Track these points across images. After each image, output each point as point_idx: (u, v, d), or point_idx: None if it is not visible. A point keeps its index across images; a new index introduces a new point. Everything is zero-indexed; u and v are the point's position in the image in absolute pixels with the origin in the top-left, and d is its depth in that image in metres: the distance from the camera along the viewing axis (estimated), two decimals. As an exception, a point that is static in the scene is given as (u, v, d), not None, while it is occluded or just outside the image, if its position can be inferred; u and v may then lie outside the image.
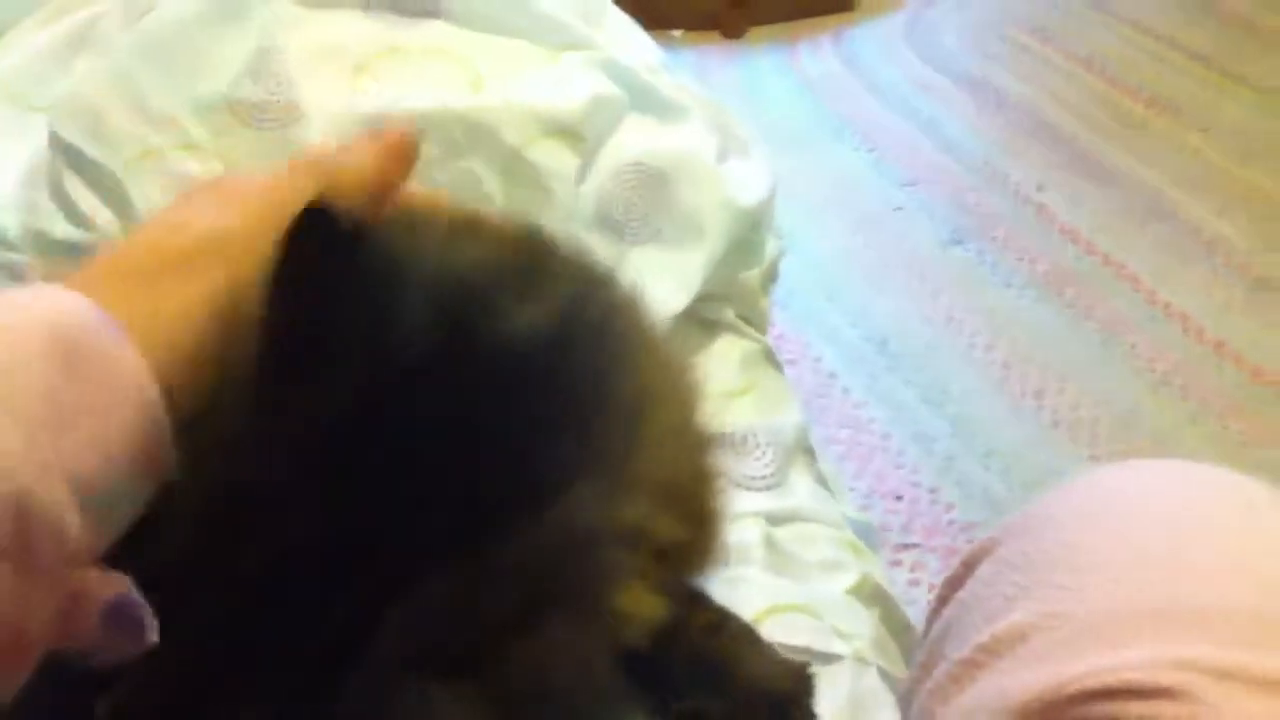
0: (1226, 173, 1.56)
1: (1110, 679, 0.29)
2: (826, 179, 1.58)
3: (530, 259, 0.39)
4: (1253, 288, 1.38)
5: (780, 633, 0.51)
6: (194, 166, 0.61)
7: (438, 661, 0.30)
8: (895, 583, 0.59)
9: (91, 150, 0.61)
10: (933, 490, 1.14)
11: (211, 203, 0.35)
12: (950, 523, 1.11)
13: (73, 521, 0.28)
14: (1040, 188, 1.50)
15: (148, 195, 0.60)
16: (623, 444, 0.36)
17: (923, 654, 0.37)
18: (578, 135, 0.65)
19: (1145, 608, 0.31)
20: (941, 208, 1.49)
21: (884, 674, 0.52)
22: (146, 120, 0.62)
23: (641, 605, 0.34)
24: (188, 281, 0.33)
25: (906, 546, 1.10)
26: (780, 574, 0.53)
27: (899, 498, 1.15)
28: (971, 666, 0.33)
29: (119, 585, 0.29)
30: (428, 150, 0.59)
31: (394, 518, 0.31)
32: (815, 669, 0.46)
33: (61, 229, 0.61)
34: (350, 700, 0.30)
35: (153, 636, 0.30)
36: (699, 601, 0.48)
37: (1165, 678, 0.29)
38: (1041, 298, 1.37)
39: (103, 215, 0.60)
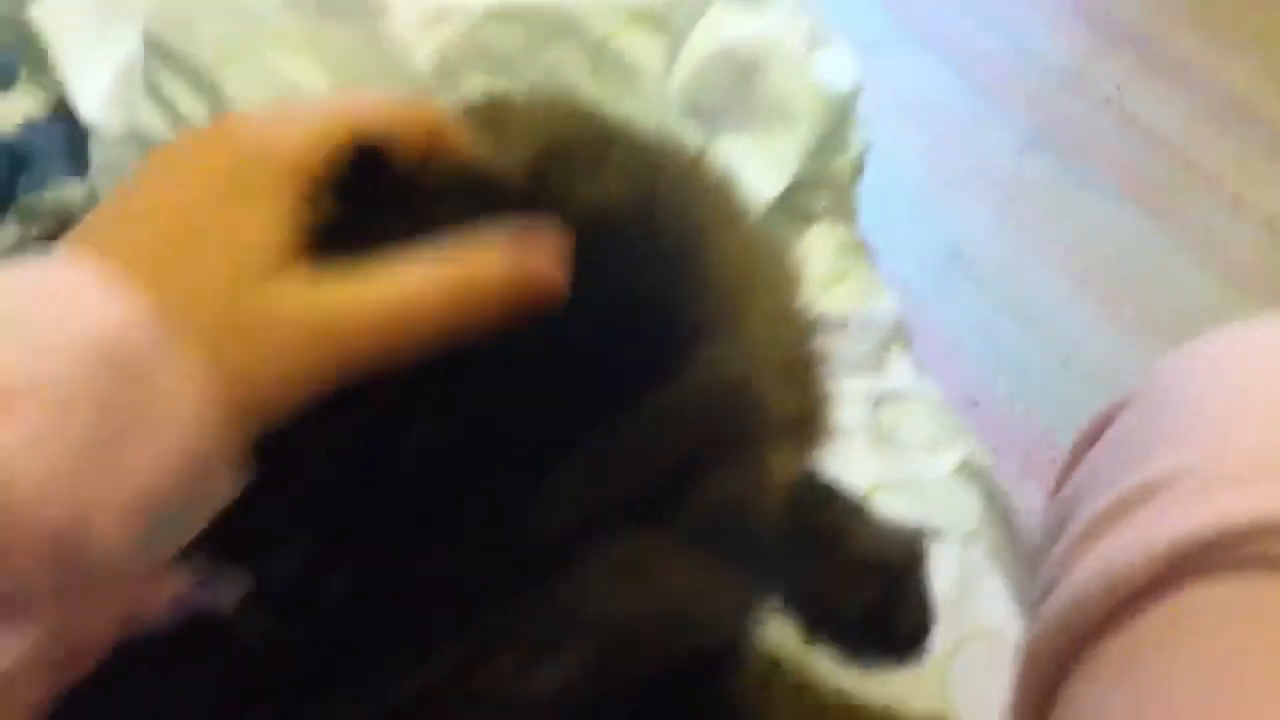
0: (1317, 70, 1.50)
1: (1252, 519, 0.29)
2: (901, 85, 1.55)
3: (593, 140, 0.38)
4: (1342, 190, 1.33)
5: (887, 511, 0.51)
6: (286, 62, 0.61)
7: (625, 508, 0.30)
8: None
9: (185, 48, 0.62)
10: (1009, 397, 1.13)
11: (254, 200, 0.31)
12: (1028, 429, 1.10)
13: (128, 542, 0.27)
14: (1119, 88, 1.46)
15: (243, 92, 0.61)
16: (731, 318, 0.36)
17: (1054, 513, 0.37)
18: (664, 23, 0.64)
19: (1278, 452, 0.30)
20: (1018, 113, 1.45)
21: (990, 551, 0.52)
22: (238, 17, 0.63)
23: (785, 464, 0.34)
24: (284, 358, 0.29)
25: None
26: (885, 453, 0.53)
27: (975, 404, 1.14)
28: (1111, 517, 0.33)
29: (179, 584, 0.30)
30: (514, 41, 0.58)
31: (547, 384, 0.31)
32: (926, 542, 0.47)
33: (160, 127, 0.61)
34: (544, 543, 0.30)
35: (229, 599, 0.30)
36: (807, 479, 0.48)
37: None
38: (1121, 202, 1.34)
39: (200, 113, 0.61)
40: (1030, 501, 0.97)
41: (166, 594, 0.30)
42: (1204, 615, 0.29)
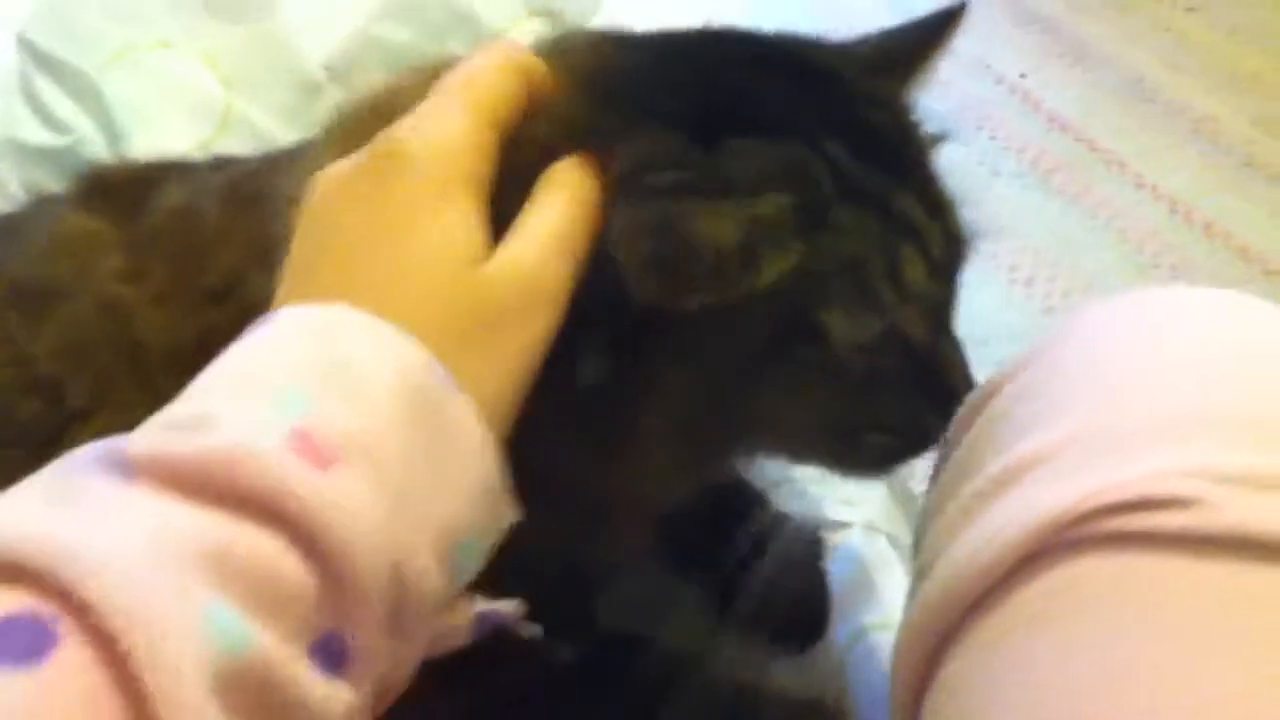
0: (1214, 51, 1.54)
1: (1123, 493, 0.29)
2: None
3: None
4: (1240, 167, 1.37)
5: (793, 502, 0.51)
6: (171, 64, 0.60)
7: None
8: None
9: (64, 52, 0.60)
10: (927, 381, 1.15)
11: (449, 206, 0.33)
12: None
13: (438, 582, 0.29)
14: (1024, 75, 1.48)
15: (124, 96, 0.59)
16: None
17: (934, 496, 0.38)
18: (560, 16, 0.64)
19: (1156, 422, 0.31)
20: (928, 101, 1.47)
21: (892, 540, 0.52)
22: (119, 19, 0.61)
23: None
24: (508, 338, 0.32)
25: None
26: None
27: (894, 389, 1.15)
28: (985, 498, 0.33)
29: (475, 606, 0.32)
30: (408, 37, 0.57)
31: None
32: (825, 535, 0.47)
33: (37, 135, 0.59)
34: None
35: (521, 628, 0.33)
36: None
37: (1176, 486, 0.29)
38: (1030, 185, 1.36)
39: (79, 119, 0.59)
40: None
41: (467, 617, 0.32)
42: (1072, 592, 0.30)
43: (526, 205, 0.34)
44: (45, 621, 0.23)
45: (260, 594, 0.25)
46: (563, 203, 0.34)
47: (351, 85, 0.61)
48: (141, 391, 0.42)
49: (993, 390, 0.37)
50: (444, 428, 0.29)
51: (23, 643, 0.23)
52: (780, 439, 0.40)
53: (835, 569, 0.47)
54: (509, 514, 0.31)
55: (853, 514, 0.52)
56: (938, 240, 0.40)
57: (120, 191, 0.47)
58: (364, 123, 0.40)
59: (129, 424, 0.40)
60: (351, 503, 0.27)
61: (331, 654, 0.27)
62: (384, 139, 0.34)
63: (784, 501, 0.50)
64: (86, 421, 0.42)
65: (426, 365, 0.29)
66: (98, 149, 0.59)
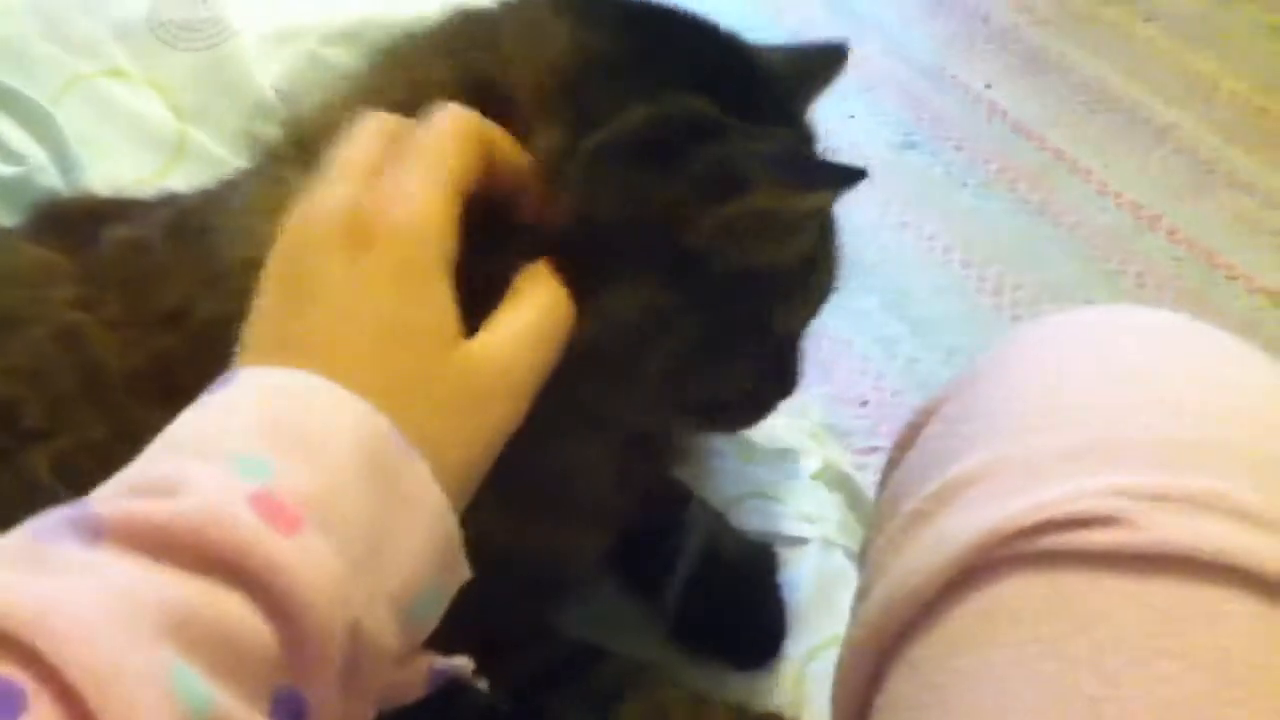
0: (1176, 61, 1.56)
1: (1052, 512, 0.30)
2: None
3: None
4: (1203, 174, 1.39)
5: (751, 518, 0.51)
6: (122, 93, 0.60)
7: None
8: (868, 487, 0.60)
9: (15, 81, 0.60)
10: (896, 393, 1.15)
11: (429, 288, 0.34)
12: (915, 424, 1.12)
13: (394, 639, 0.30)
14: (988, 86, 1.50)
15: (76, 125, 0.59)
16: None
17: (876, 515, 0.38)
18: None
19: (1085, 443, 0.31)
20: (893, 112, 1.48)
21: (850, 555, 0.53)
22: (69, 49, 0.61)
23: None
24: (476, 421, 0.33)
25: (873, 449, 1.11)
26: (745, 461, 0.54)
27: (864, 403, 1.15)
28: (920, 517, 0.33)
29: (427, 662, 0.32)
30: (355, 58, 0.58)
31: None
32: (780, 550, 0.48)
33: (-9, 165, 0.59)
34: None
35: (474, 682, 0.34)
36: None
37: (1104, 505, 0.29)
38: (995, 195, 1.38)
39: (32, 149, 0.59)
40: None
41: (422, 671, 0.32)
42: (1001, 611, 0.30)
43: (506, 300, 0.36)
44: (17, 683, 0.24)
45: (223, 656, 0.26)
46: (540, 301, 0.36)
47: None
48: (99, 412, 0.42)
49: (933, 409, 0.38)
50: (402, 492, 0.30)
51: None
52: (705, 399, 0.43)
53: (792, 584, 0.47)
54: (464, 573, 0.33)
55: (811, 530, 0.52)
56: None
57: (73, 223, 0.48)
58: (306, 145, 0.41)
59: (87, 444, 0.41)
60: (313, 565, 0.27)
61: (291, 712, 0.28)
62: (360, 210, 0.34)
63: (740, 519, 0.50)
64: (44, 442, 0.42)
65: (386, 432, 0.30)
66: (52, 179, 0.58)
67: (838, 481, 0.56)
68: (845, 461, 0.57)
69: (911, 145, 1.39)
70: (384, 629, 0.29)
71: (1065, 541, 0.29)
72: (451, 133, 0.36)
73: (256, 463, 0.29)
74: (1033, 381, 0.35)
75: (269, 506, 0.28)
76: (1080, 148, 1.37)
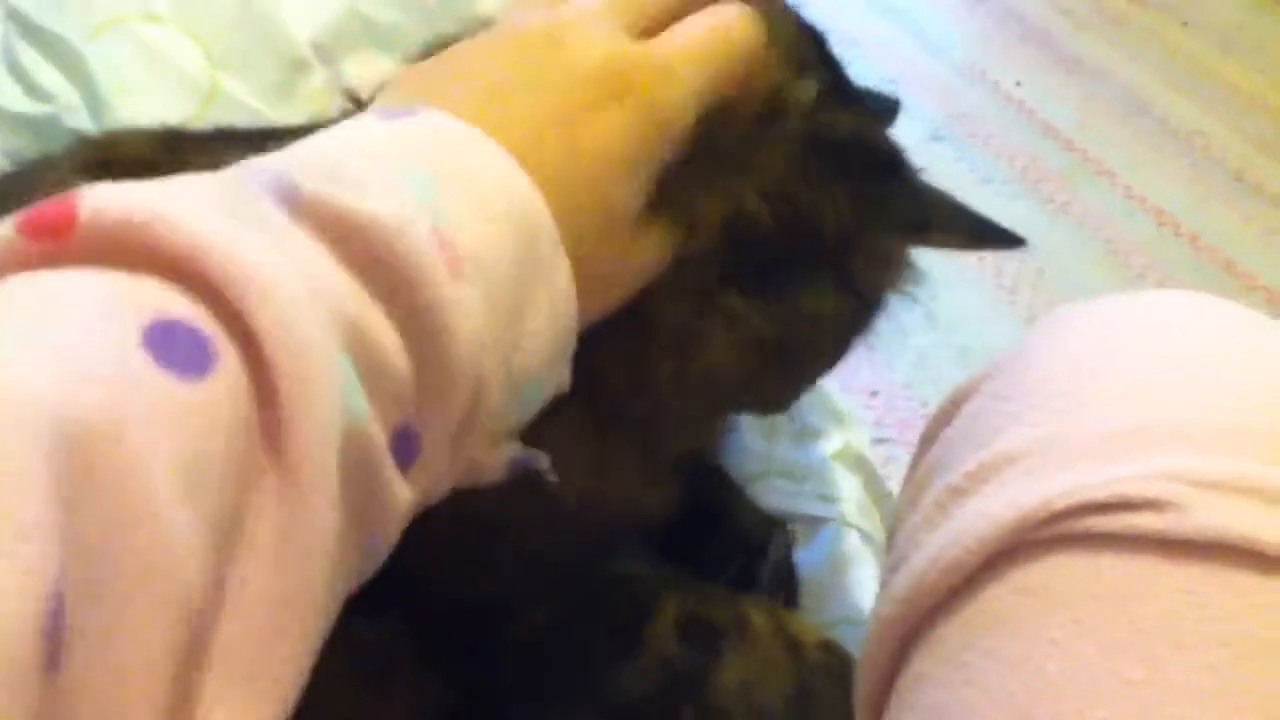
0: (1207, 68, 1.55)
1: (1098, 493, 0.29)
2: (805, 76, 1.55)
3: None
4: (1229, 182, 1.38)
5: (767, 497, 0.51)
6: (156, 36, 0.59)
7: None
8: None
9: (48, 21, 0.59)
10: (906, 385, 1.14)
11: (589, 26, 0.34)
12: (924, 418, 1.11)
13: (505, 408, 0.30)
14: (1019, 84, 1.49)
15: (108, 67, 0.58)
16: None
17: (909, 491, 0.37)
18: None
19: (1135, 425, 0.31)
20: (922, 105, 1.47)
21: (865, 537, 0.52)
22: (106, -9, 0.60)
23: None
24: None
25: (881, 441, 1.11)
26: (767, 439, 0.53)
27: (874, 393, 1.15)
28: (959, 494, 0.33)
29: (513, 450, 0.33)
30: (396, 16, 0.57)
31: None
32: (795, 528, 0.47)
33: (19, 103, 0.59)
34: None
35: (548, 477, 0.34)
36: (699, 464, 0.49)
37: (1152, 489, 0.29)
38: (1020, 194, 1.37)
39: (63, 89, 0.58)
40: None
41: (505, 457, 0.32)
42: (1041, 591, 0.30)
43: (694, 14, 0.36)
44: (205, 335, 0.23)
45: (375, 366, 0.26)
46: (727, 22, 0.36)
47: (338, 65, 0.60)
48: None
49: (972, 388, 0.37)
50: (545, 271, 0.31)
51: (186, 350, 0.23)
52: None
53: (806, 564, 0.47)
54: (567, 380, 0.33)
55: (828, 510, 0.52)
56: None
57: (125, 169, 0.46)
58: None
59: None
60: (467, 313, 0.28)
61: (406, 448, 0.28)
62: (635, 62, 0.34)
63: (760, 496, 0.49)
64: None
65: (544, 219, 0.31)
66: (81, 119, 0.58)
67: (857, 463, 0.55)
68: (865, 444, 0.57)
69: (938, 139, 1.38)
70: (501, 396, 0.30)
71: (1109, 524, 0.29)
72: (739, 38, 0.37)
73: (433, 201, 0.29)
74: (1081, 360, 0.34)
75: (443, 242, 0.28)
76: (1107, 151, 1.36)
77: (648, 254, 0.36)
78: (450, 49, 0.35)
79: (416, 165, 0.29)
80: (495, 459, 0.32)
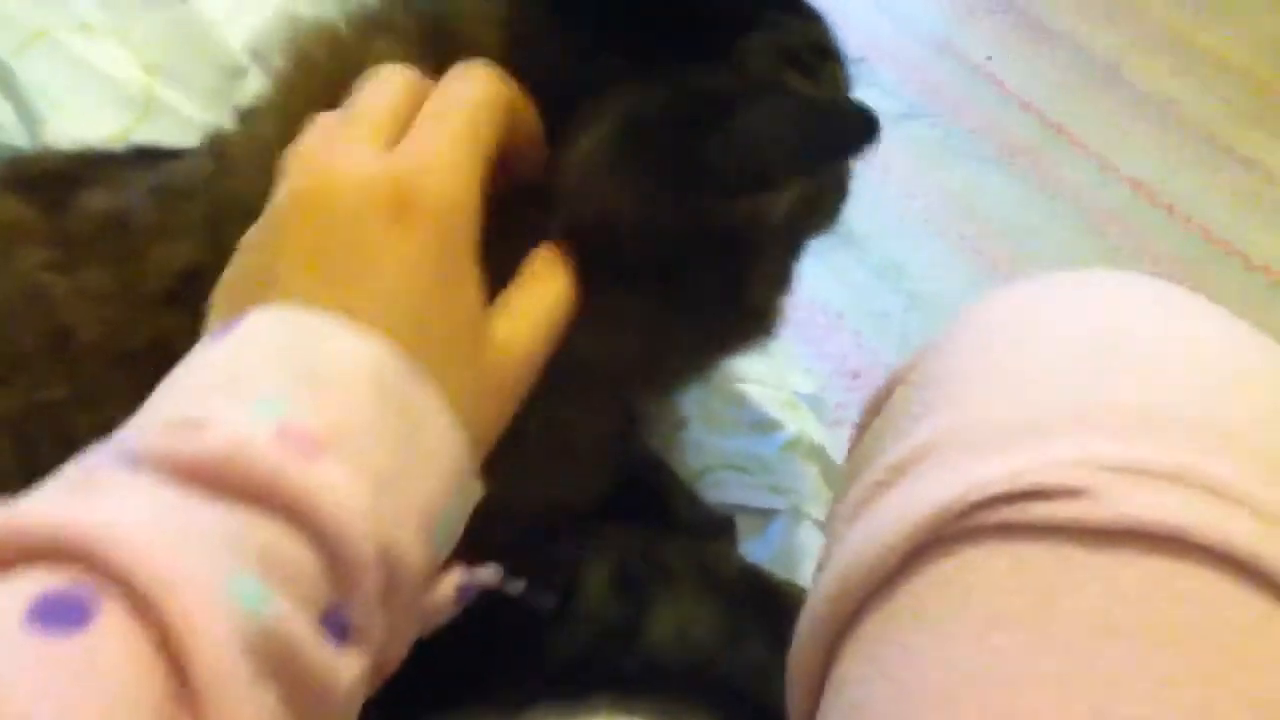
0: (1178, 34, 1.54)
1: (1013, 482, 0.29)
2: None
3: None
4: (1204, 149, 1.37)
5: (716, 491, 0.51)
6: (89, 48, 0.58)
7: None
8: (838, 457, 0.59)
9: (-23, 36, 0.58)
10: (889, 367, 1.14)
11: (467, 270, 0.34)
12: (907, 398, 1.11)
13: (422, 557, 0.30)
14: (989, 58, 1.48)
15: (40, 81, 0.58)
16: None
17: (844, 485, 0.37)
18: None
19: (1046, 411, 0.30)
20: (894, 82, 1.46)
21: (822, 526, 0.52)
22: (35, 4, 0.59)
23: None
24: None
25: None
26: (716, 433, 0.53)
27: (856, 376, 1.15)
28: (880, 487, 0.32)
29: (456, 578, 0.33)
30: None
31: None
32: (741, 520, 0.47)
33: (-49, 119, 0.58)
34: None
35: (503, 586, 0.35)
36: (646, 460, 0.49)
37: (1067, 476, 0.28)
38: (995, 168, 1.36)
39: (-5, 103, 0.58)
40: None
41: (451, 590, 0.33)
42: (959, 583, 0.29)
43: (521, 283, 0.36)
44: (84, 594, 0.24)
45: (272, 568, 0.27)
46: (557, 288, 0.36)
47: (273, 70, 0.60)
48: (62, 374, 0.41)
49: (898, 378, 0.36)
50: (415, 416, 0.31)
51: (65, 613, 0.24)
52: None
53: (756, 556, 0.47)
54: (478, 491, 0.33)
55: (780, 501, 0.51)
56: None
57: (40, 184, 0.46)
58: (313, 89, 0.40)
59: (43, 403, 0.40)
60: (339, 487, 0.28)
61: (337, 628, 0.28)
62: (399, 178, 0.33)
63: (707, 491, 0.49)
64: None
65: (395, 360, 0.31)
66: (15, 136, 0.57)
67: (811, 453, 0.55)
68: (820, 433, 0.56)
69: (910, 115, 1.37)
70: (413, 547, 0.30)
71: (1028, 513, 0.28)
72: (486, 100, 0.35)
73: (275, 400, 0.29)
74: (992, 347, 0.33)
75: (290, 438, 0.28)
76: (1081, 121, 1.35)
77: (521, 333, 0.35)
78: (242, 243, 0.35)
79: (255, 371, 0.30)
80: (443, 594, 0.33)
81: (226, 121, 0.46)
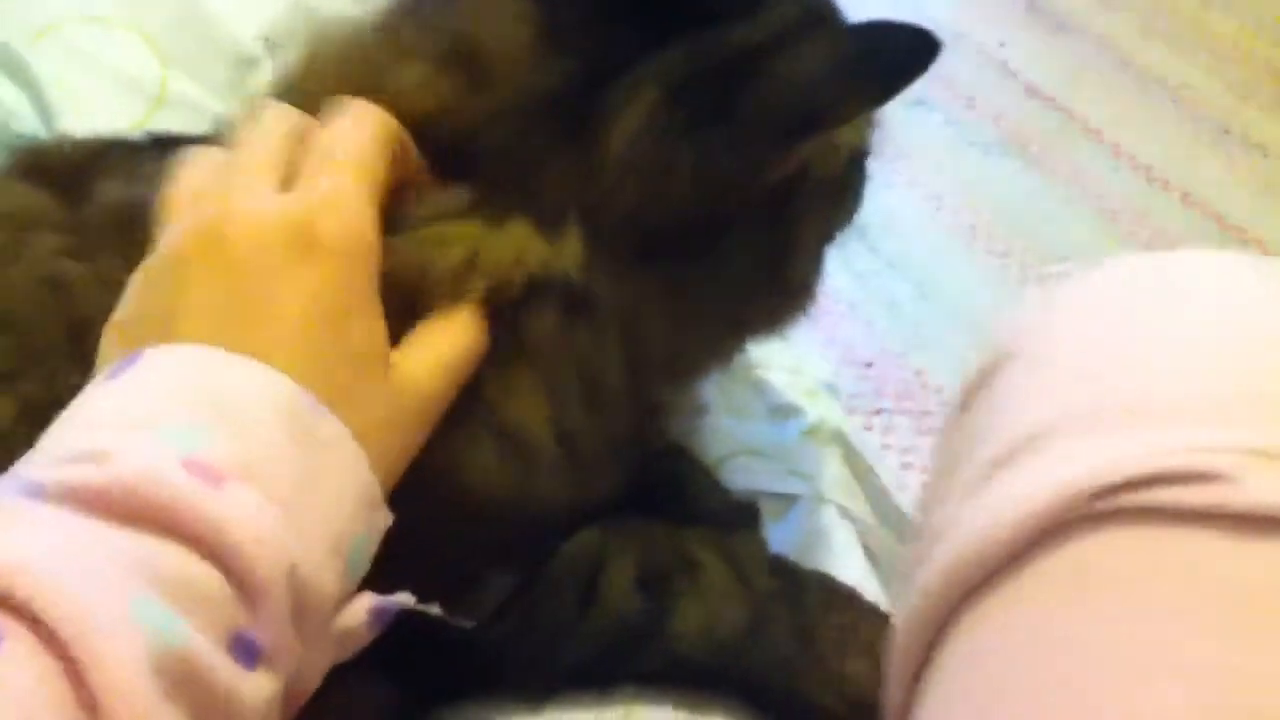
0: (1191, 20, 1.53)
1: (1153, 465, 0.27)
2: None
3: None
4: (1218, 135, 1.36)
5: (737, 476, 0.50)
6: (103, 38, 0.58)
7: None
8: (867, 446, 0.59)
9: (-9, 28, 0.58)
10: (900, 355, 1.14)
11: (371, 308, 0.35)
12: (921, 386, 1.11)
13: (334, 582, 0.31)
14: (1002, 44, 1.47)
15: (54, 72, 0.57)
16: None
17: (942, 460, 0.35)
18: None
19: (1187, 393, 0.29)
20: (902, 71, 1.45)
21: (844, 511, 0.52)
22: (48, -6, 0.59)
23: None
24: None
25: (878, 411, 1.10)
26: (736, 419, 0.53)
27: (869, 364, 1.14)
28: (997, 466, 0.31)
29: (367, 602, 0.33)
30: (340, 5, 0.56)
31: None
32: (763, 504, 0.47)
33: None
34: None
35: (426, 609, 0.35)
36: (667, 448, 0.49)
37: (1200, 461, 0.27)
38: (1006, 155, 1.35)
39: (9, 94, 0.58)
40: (926, 460, 0.97)
41: (362, 613, 0.33)
42: (1097, 566, 0.28)
43: (429, 319, 0.36)
44: None
45: (177, 592, 0.27)
46: (462, 323, 0.36)
47: (287, 57, 0.60)
48: (81, 365, 0.41)
49: (1009, 353, 0.35)
50: (320, 445, 0.31)
51: None
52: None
53: (778, 541, 0.46)
54: (387, 519, 0.34)
55: (801, 486, 0.51)
56: None
57: (61, 174, 0.46)
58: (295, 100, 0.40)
59: (59, 391, 0.40)
60: (245, 513, 0.29)
61: (245, 650, 0.29)
62: (298, 219, 0.34)
63: (728, 477, 0.49)
64: (9, 383, 0.41)
65: (297, 393, 0.31)
66: (29, 125, 0.57)
67: (832, 438, 0.54)
68: (841, 419, 0.56)
69: (921, 103, 1.37)
70: (323, 572, 0.30)
71: (1167, 497, 0.27)
72: (373, 137, 0.36)
73: (180, 433, 0.30)
74: (1126, 324, 0.32)
75: (197, 466, 0.29)
76: (1093, 109, 1.34)
77: (426, 366, 0.36)
78: (133, 282, 0.35)
79: (158, 406, 0.30)
80: (355, 617, 0.33)
81: (240, 112, 0.46)
